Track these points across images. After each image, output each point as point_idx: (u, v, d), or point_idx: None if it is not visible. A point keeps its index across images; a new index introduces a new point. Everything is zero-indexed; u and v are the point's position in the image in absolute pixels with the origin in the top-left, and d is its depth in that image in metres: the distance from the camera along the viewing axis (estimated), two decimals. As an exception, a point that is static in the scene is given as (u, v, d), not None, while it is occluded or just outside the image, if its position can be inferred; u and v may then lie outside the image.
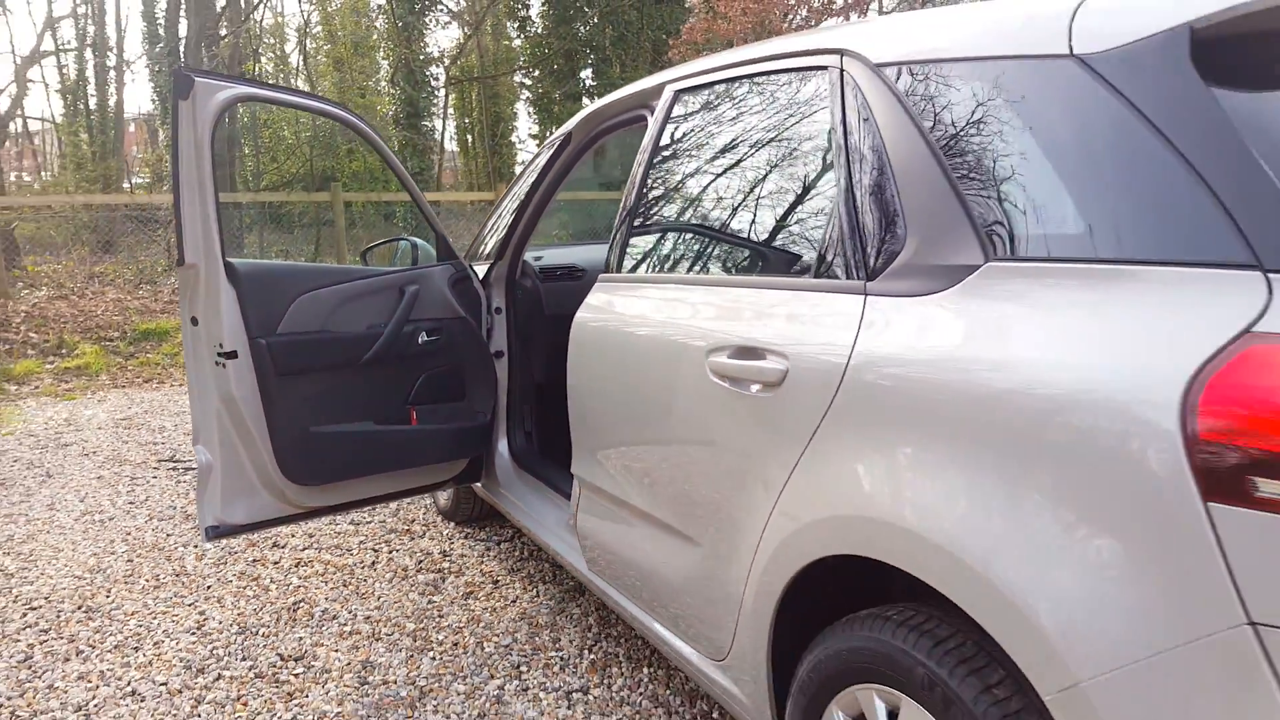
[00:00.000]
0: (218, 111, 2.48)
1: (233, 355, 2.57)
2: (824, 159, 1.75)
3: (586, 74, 16.88)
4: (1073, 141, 1.30)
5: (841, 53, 1.74)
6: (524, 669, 2.62)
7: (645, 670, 2.61)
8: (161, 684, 2.59)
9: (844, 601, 1.68)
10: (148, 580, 3.32)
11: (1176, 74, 1.21)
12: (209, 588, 3.25)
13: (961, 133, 1.46)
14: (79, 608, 3.10)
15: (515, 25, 17.67)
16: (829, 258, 1.67)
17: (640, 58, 15.45)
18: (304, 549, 3.59)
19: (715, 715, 2.35)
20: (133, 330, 8.42)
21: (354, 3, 18.52)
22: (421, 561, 3.45)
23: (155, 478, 4.62)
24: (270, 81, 25.35)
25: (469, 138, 19.64)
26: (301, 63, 25.13)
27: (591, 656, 2.69)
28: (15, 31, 60.06)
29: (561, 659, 2.68)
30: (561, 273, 3.79)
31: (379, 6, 16.89)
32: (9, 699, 2.52)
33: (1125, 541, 1.10)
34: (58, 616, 3.03)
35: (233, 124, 16.57)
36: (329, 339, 2.78)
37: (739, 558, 1.76)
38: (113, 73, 23.52)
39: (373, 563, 3.45)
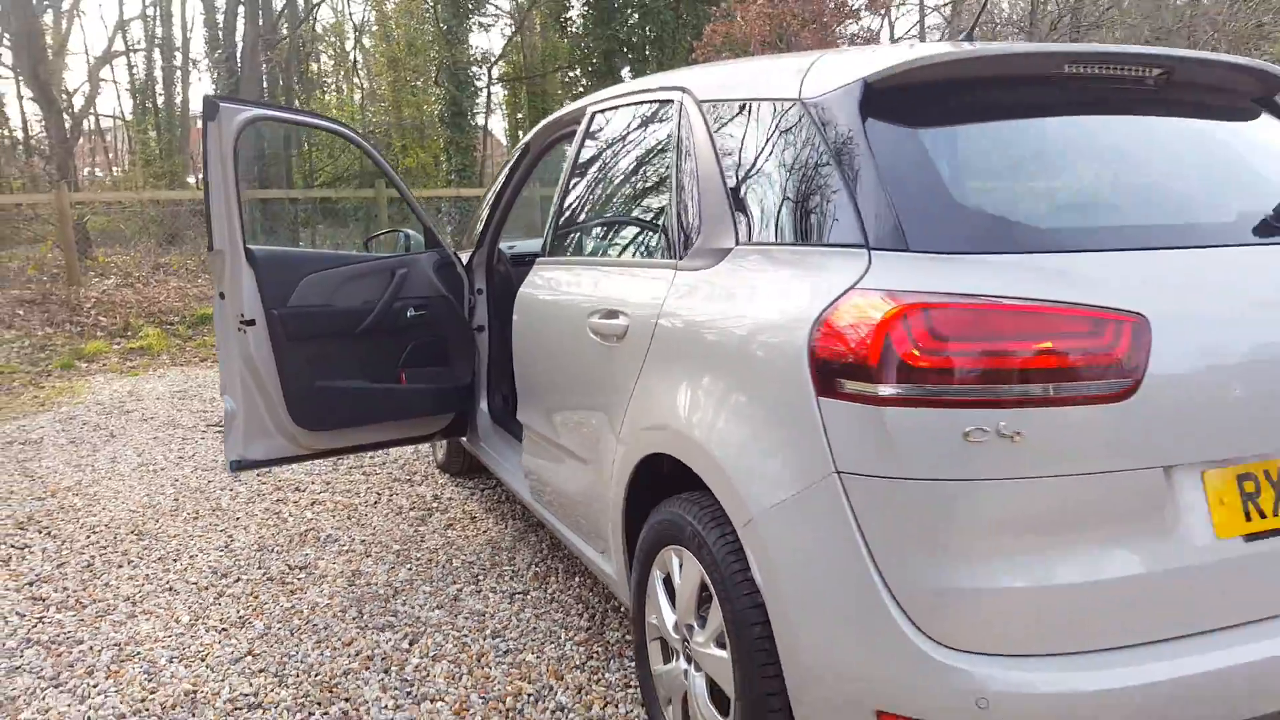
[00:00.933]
0: (238, 130, 3.13)
1: (251, 323, 3.23)
2: (665, 169, 2.34)
3: (626, 73, 17.49)
4: (791, 159, 1.88)
5: (682, 89, 2.33)
6: (481, 578, 3.25)
7: (577, 579, 3.21)
8: (192, 583, 3.28)
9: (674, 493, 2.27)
10: (189, 514, 4.03)
11: (846, 112, 1.77)
12: (238, 519, 3.94)
13: (734, 151, 2.04)
14: (132, 532, 3.81)
15: (557, 25, 18.36)
16: (660, 244, 2.27)
17: (677, 57, 15.99)
18: (320, 492, 4.27)
19: (622, 610, 2.94)
20: (192, 315, 9.28)
21: (408, 3, 19.43)
22: (415, 503, 4.10)
23: (204, 438, 5.35)
24: (327, 79, 26.40)
25: (520, 134, 20.44)
26: (359, 60, 26.23)
27: (536, 569, 3.31)
28: (88, 33, 62.79)
29: (513, 571, 3.30)
30: (529, 259, 4.41)
31: (426, 10, 17.71)
32: (74, 590, 3.23)
33: (781, 421, 1.67)
34: (114, 538, 3.75)
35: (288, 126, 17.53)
36: (330, 311, 3.43)
37: (606, 466, 2.36)
38: (179, 73, 24.87)
39: (374, 502, 4.11)
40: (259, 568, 3.40)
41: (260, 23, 17.86)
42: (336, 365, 3.47)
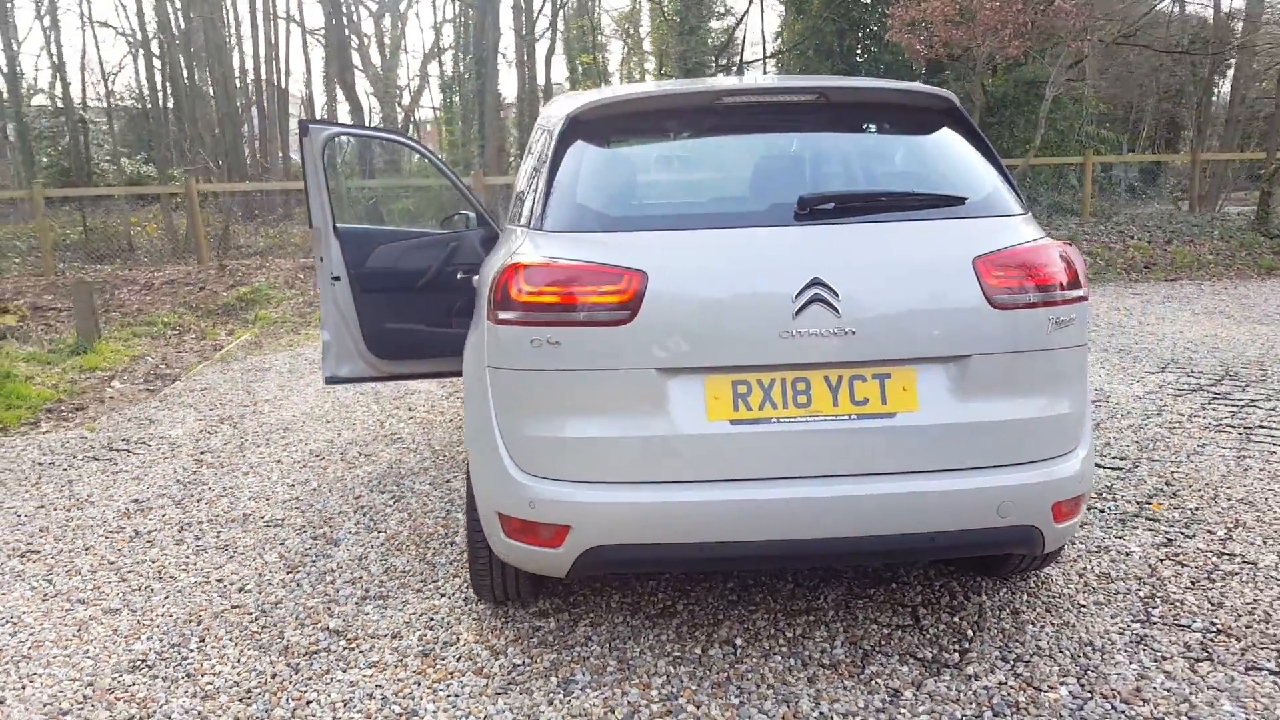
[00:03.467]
0: (323, 143, 4.56)
1: (338, 279, 4.68)
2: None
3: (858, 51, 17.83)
4: (538, 168, 2.86)
5: (549, 115, 3.35)
6: (473, 471, 4.50)
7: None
8: (295, 460, 4.83)
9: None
10: (325, 418, 5.65)
11: (557, 137, 2.74)
12: (352, 424, 5.49)
13: (551, 159, 2.99)
14: (281, 428, 5.48)
15: (793, 6, 19.01)
16: (523, 213, 3.28)
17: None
18: (411, 410, 5.74)
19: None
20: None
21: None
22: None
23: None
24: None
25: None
26: (626, 52, 28.37)
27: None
28: (410, 34, 71.35)
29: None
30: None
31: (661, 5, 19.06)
32: (224, 459, 4.89)
33: (481, 334, 2.71)
34: (268, 430, 5.43)
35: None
36: (396, 271, 4.80)
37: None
38: (482, 68, 28.38)
39: (438, 422, 5.50)
40: (341, 453, 4.89)
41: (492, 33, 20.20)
42: (401, 312, 4.84)
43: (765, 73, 20.29)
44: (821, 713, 2.44)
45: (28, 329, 9.18)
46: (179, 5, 21.89)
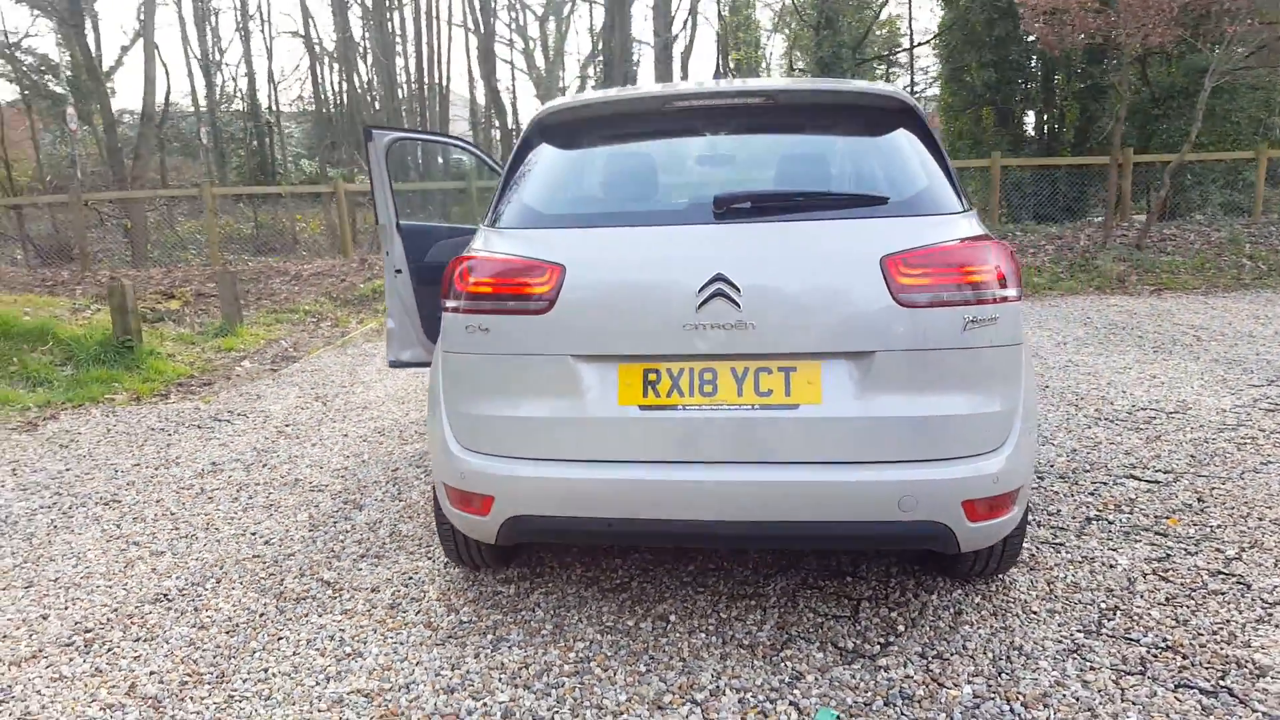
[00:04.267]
0: (386, 146, 5.00)
1: (400, 272, 5.12)
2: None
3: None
4: (509, 170, 3.13)
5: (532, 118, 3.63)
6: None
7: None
8: (359, 435, 5.31)
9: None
10: (407, 401, 6.13)
11: (522, 140, 3.00)
12: (423, 404, 5.95)
13: (512, 161, 3.28)
14: (363, 407, 6.00)
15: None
16: (489, 212, 3.59)
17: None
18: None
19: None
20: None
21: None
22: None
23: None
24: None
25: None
26: (789, 45, 28.27)
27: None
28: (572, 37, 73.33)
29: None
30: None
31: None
32: (302, 430, 5.43)
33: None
34: (351, 408, 5.96)
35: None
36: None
37: None
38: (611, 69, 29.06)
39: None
40: (400, 431, 5.34)
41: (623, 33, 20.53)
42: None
43: (904, 66, 19.78)
44: (718, 686, 2.57)
45: (184, 313, 10.31)
46: (358, 14, 23.65)
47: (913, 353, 2.54)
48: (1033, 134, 18.23)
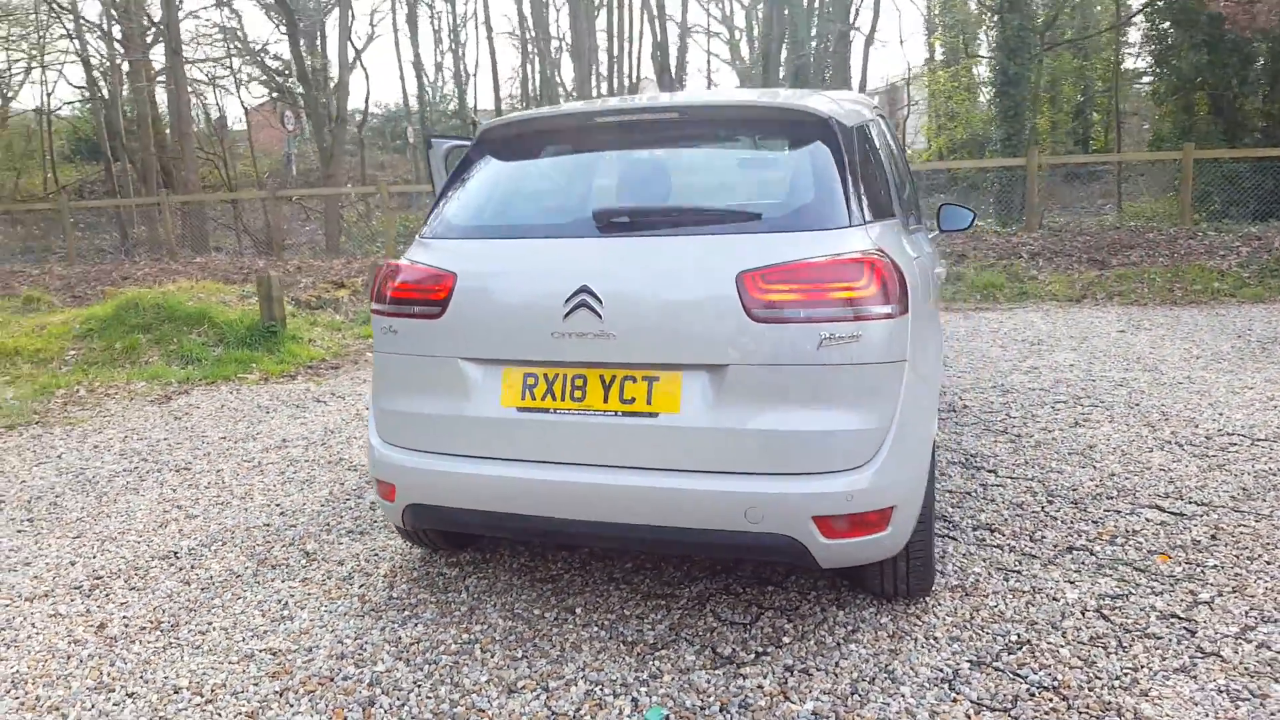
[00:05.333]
0: (445, 153, 5.40)
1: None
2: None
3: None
4: (445, 184, 3.40)
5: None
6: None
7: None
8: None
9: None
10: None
11: (469, 153, 3.26)
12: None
13: (450, 175, 3.53)
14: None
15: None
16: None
17: None
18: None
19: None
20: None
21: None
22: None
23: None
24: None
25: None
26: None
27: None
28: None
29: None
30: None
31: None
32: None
33: None
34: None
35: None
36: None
37: None
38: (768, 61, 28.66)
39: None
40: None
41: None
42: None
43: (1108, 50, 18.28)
44: (579, 677, 2.73)
45: (347, 301, 11.35)
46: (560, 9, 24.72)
47: (765, 367, 2.58)
48: (1259, 122, 16.44)
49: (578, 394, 2.74)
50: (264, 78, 27.67)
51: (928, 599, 3.12)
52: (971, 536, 3.66)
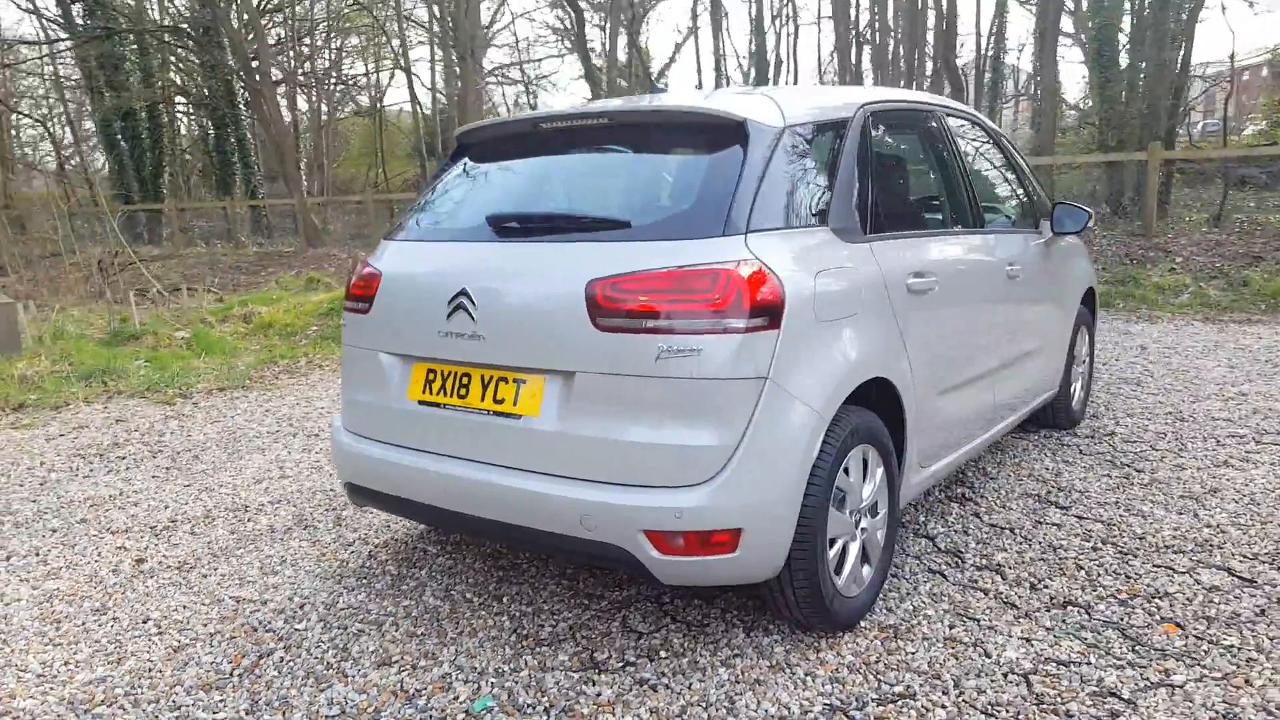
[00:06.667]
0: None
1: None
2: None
3: None
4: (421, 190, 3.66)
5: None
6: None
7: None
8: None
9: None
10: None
11: (452, 155, 3.51)
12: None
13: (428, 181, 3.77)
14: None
15: None
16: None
17: None
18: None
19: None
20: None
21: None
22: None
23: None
24: None
25: None
26: None
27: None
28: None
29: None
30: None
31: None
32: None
33: None
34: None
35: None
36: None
37: None
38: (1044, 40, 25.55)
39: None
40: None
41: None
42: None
43: None
44: (450, 659, 2.88)
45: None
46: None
47: (608, 376, 2.59)
48: None
49: (463, 391, 2.90)
50: (585, 75, 29.86)
51: (848, 635, 2.93)
52: (966, 576, 3.33)
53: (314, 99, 32.07)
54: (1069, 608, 3.06)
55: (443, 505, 2.94)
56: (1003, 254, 3.95)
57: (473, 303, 2.81)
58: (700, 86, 33.09)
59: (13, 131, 31.90)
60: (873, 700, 2.57)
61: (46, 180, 32.02)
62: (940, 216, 3.77)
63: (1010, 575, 3.32)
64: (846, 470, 2.86)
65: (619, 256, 2.63)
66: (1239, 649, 2.76)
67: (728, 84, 32.39)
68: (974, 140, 4.20)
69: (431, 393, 2.97)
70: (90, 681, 2.87)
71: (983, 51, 26.60)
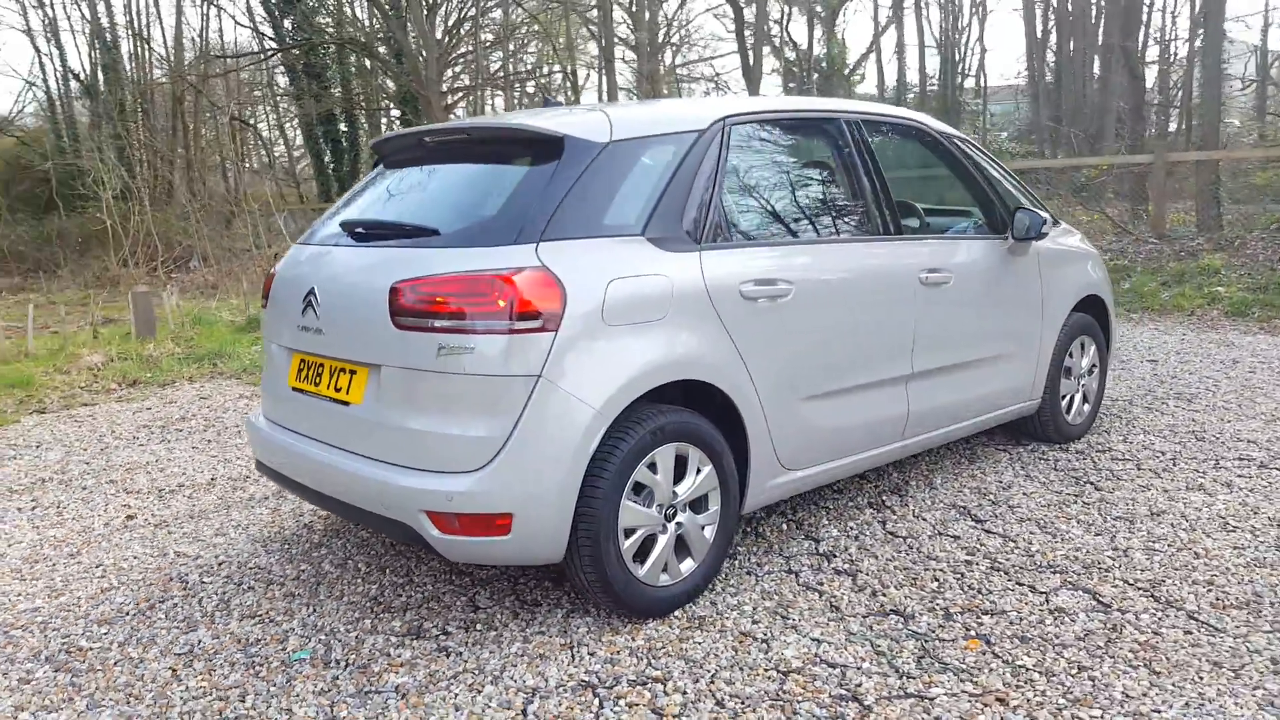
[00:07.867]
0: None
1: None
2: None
3: None
4: None
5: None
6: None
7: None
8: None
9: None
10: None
11: (373, 166, 3.94)
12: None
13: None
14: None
15: None
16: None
17: None
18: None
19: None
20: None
21: None
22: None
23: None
24: None
25: None
26: None
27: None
28: None
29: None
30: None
31: None
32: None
33: None
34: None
35: None
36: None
37: None
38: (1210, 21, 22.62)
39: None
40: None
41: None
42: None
43: None
44: (300, 619, 3.26)
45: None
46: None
47: (402, 370, 2.91)
48: None
49: (318, 379, 3.29)
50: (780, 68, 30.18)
51: (655, 622, 3.09)
52: (817, 579, 3.38)
53: (508, 105, 33.83)
54: (891, 616, 3.08)
55: (306, 483, 3.34)
56: (916, 260, 3.91)
57: (317, 300, 3.20)
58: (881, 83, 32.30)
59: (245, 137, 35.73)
60: (627, 681, 2.74)
61: (266, 181, 35.83)
62: (818, 224, 3.79)
63: (860, 581, 3.35)
64: (653, 466, 3.03)
65: (420, 262, 2.94)
66: (1027, 669, 2.72)
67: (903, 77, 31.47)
68: (900, 147, 4.17)
69: (302, 380, 3.39)
70: (26, 610, 3.47)
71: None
